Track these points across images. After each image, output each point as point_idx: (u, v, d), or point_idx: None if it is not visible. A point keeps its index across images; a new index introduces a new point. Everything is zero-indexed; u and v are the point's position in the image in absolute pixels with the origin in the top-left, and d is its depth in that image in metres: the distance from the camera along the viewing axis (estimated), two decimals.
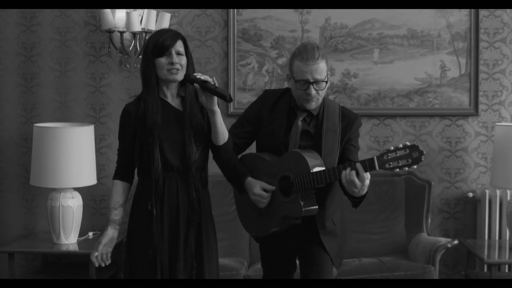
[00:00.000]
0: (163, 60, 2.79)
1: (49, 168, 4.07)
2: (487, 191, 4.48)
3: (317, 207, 2.95)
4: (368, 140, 4.58)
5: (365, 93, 4.52)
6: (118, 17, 4.30)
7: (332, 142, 2.98)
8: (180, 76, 2.82)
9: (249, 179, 3.02)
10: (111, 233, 2.87)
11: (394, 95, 4.53)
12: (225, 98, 2.73)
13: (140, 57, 4.25)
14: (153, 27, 4.30)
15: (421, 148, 2.67)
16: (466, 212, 4.58)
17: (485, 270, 4.40)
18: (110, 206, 2.86)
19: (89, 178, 4.19)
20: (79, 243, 4.27)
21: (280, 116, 3.04)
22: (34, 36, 4.65)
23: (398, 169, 2.71)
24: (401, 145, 2.70)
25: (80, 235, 4.33)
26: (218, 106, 2.85)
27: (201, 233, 2.90)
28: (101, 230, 4.52)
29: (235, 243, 4.24)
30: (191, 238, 2.86)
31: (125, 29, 4.31)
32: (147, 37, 4.29)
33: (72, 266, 4.44)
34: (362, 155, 4.41)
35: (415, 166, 2.69)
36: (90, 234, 4.45)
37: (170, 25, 4.46)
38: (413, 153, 2.68)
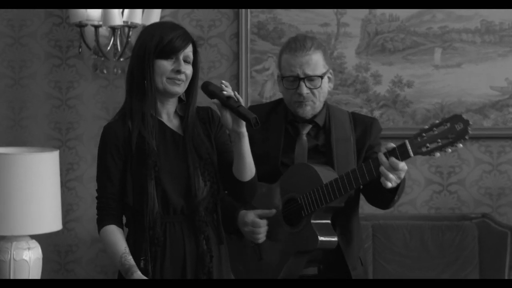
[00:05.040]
0: (166, 64, 2.73)
1: None
2: None
3: (336, 238, 2.98)
4: (427, 171, 4.50)
5: (423, 108, 4.44)
6: None
7: (345, 152, 3.05)
8: (182, 88, 2.77)
9: (242, 211, 3.05)
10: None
11: (462, 110, 4.41)
12: (249, 122, 2.65)
13: (122, 59, 4.31)
14: (138, 20, 4.26)
15: (465, 117, 2.69)
16: None
17: None
18: (120, 252, 2.72)
19: (51, 222, 3.97)
20: None
21: (274, 134, 3.10)
22: None
23: (439, 152, 2.73)
24: (437, 121, 2.75)
25: None
26: None
27: None
28: None
29: None
30: None
31: (101, 23, 4.25)
32: (130, 33, 4.25)
33: None
34: (419, 189, 4.48)
35: (461, 145, 2.71)
36: None
37: (162, 16, 4.41)
38: (456, 125, 2.70)
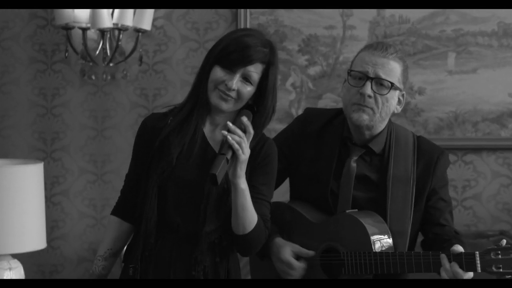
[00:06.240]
0: (219, 73, 2.66)
1: None
2: None
3: None
4: None
5: (435, 117, 4.43)
6: None
7: (403, 198, 2.88)
8: (230, 106, 2.67)
9: (278, 239, 2.93)
10: None
11: (478, 119, 4.43)
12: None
13: (112, 64, 4.40)
14: (129, 22, 4.30)
15: None
16: None
17: None
18: (98, 253, 2.84)
19: (35, 240, 3.82)
20: None
21: (328, 153, 2.94)
22: None
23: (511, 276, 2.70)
24: None
25: None
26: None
27: None
28: None
29: None
30: None
31: (89, 25, 4.28)
32: (121, 36, 4.32)
33: None
34: None
35: None
36: None
37: (154, 18, 4.43)
38: None
